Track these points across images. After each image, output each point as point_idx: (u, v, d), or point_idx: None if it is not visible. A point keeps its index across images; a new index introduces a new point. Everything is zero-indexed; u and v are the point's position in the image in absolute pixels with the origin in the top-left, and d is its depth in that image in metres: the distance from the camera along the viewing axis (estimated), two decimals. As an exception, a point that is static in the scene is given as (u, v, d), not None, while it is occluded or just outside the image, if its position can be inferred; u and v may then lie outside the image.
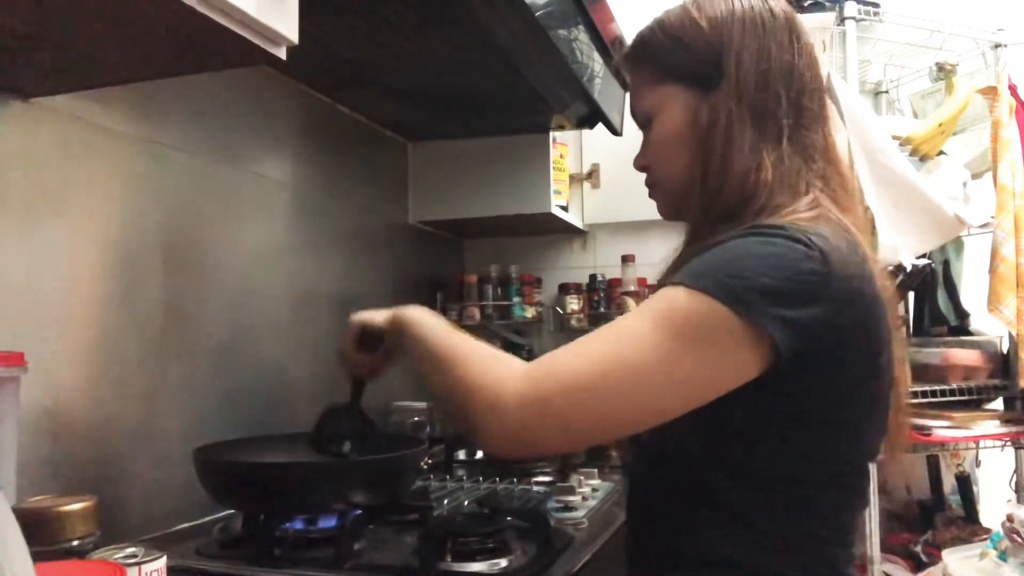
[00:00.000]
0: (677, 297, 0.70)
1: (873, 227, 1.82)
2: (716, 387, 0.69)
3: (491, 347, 0.78)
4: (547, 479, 1.47)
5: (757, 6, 0.82)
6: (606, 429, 0.73)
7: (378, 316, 0.95)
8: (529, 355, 2.07)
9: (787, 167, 0.78)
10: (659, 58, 0.85)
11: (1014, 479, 2.10)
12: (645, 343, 0.68)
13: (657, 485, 0.84)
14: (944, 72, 2.03)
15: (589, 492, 1.36)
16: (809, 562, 0.75)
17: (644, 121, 0.88)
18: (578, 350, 0.71)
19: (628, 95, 0.92)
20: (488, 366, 0.73)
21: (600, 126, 1.94)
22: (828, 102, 0.86)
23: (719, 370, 0.69)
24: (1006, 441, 1.99)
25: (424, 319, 0.86)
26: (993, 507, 2.14)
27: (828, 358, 0.70)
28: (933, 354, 1.98)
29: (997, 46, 2.03)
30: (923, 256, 1.98)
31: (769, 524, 0.74)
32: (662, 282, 0.77)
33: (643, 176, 0.92)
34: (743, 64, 0.80)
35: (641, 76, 0.88)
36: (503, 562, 0.97)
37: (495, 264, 2.25)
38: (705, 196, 0.81)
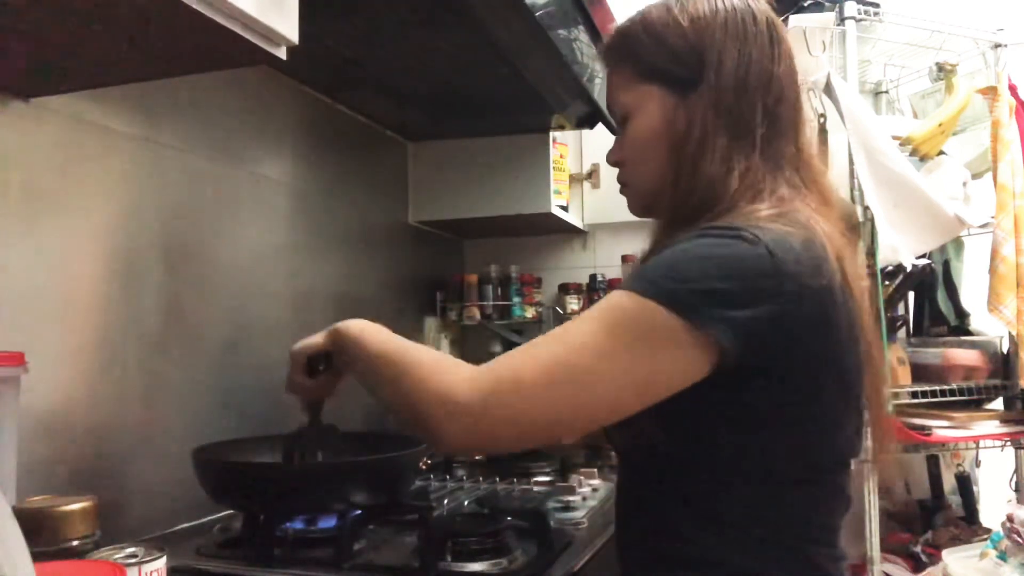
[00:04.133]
0: (622, 302, 0.71)
1: (873, 227, 1.82)
2: (663, 386, 0.71)
3: (431, 350, 0.80)
4: (547, 479, 1.48)
5: (740, 8, 0.81)
6: (553, 426, 0.74)
7: (317, 339, 0.95)
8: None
9: (754, 175, 0.78)
10: (639, 57, 0.84)
11: (1014, 479, 2.10)
12: (587, 345, 0.70)
13: (638, 487, 0.85)
14: (944, 72, 2.03)
15: (589, 492, 1.36)
16: (789, 561, 0.75)
17: (620, 118, 0.87)
18: (523, 353, 0.73)
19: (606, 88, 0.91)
20: (434, 371, 0.74)
21: (600, 126, 1.95)
22: (806, 109, 0.85)
23: (663, 370, 0.70)
24: (1006, 441, 1.99)
25: (363, 330, 0.86)
26: (993, 507, 2.14)
27: (782, 355, 0.70)
28: (933, 354, 1.98)
29: (997, 46, 2.03)
30: (923, 256, 1.98)
31: (746, 523, 0.74)
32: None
33: None
34: (723, 69, 0.79)
35: (620, 73, 0.87)
36: (503, 562, 0.97)
37: (495, 264, 2.25)
38: (676, 199, 0.81)
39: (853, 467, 0.82)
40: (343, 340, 0.88)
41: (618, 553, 0.87)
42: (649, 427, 0.73)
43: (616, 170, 0.91)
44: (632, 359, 0.69)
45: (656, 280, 0.70)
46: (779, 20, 0.84)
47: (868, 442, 0.86)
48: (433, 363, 0.76)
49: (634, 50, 0.85)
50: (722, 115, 0.79)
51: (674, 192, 0.81)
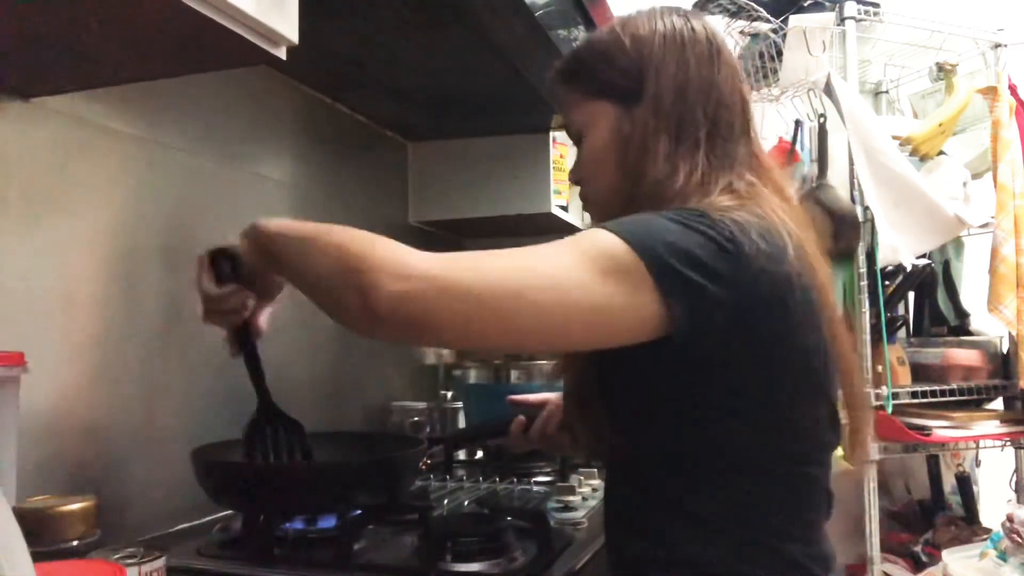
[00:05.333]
0: (594, 235, 0.71)
1: (873, 227, 1.82)
2: (619, 329, 0.70)
3: None
4: (547, 479, 1.48)
5: (679, 25, 0.86)
6: (503, 334, 0.70)
7: (227, 240, 0.91)
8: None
9: (702, 175, 0.80)
10: (588, 75, 0.88)
11: (1014, 479, 2.10)
12: (565, 264, 0.69)
13: (617, 487, 0.86)
14: (944, 72, 2.03)
15: (589, 492, 1.36)
16: (764, 559, 0.75)
17: (576, 136, 0.91)
18: (495, 252, 0.70)
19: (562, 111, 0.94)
20: (381, 239, 0.70)
21: (600, 126, 1.94)
22: (753, 116, 0.88)
23: (624, 310, 0.69)
24: (1006, 441, 1.99)
25: (280, 220, 0.83)
26: (993, 507, 2.14)
27: (736, 339, 0.71)
28: (933, 354, 1.98)
29: (997, 46, 2.03)
30: (923, 256, 1.98)
31: (718, 521, 0.75)
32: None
33: None
34: (661, 78, 0.83)
35: (573, 93, 0.90)
36: (503, 562, 0.97)
37: (495, 264, 2.25)
38: (626, 206, 0.83)
39: (830, 461, 0.82)
40: (255, 232, 0.84)
41: (606, 554, 0.88)
42: (612, 427, 0.73)
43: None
44: (595, 285, 0.68)
45: (629, 227, 0.71)
46: (721, 36, 0.89)
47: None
48: (380, 240, 0.71)
49: (583, 70, 0.89)
50: (662, 120, 0.82)
51: (623, 198, 0.84)
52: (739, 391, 0.73)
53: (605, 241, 0.70)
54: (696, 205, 0.76)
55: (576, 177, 0.93)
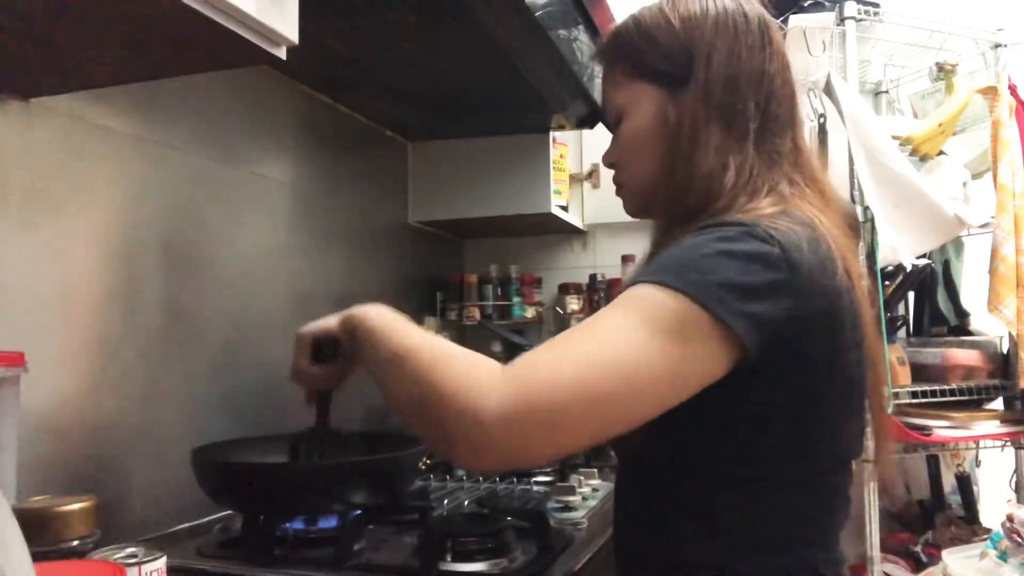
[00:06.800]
0: (649, 294, 0.68)
1: (873, 227, 1.82)
2: (694, 384, 0.68)
3: (457, 346, 0.72)
4: (547, 479, 1.48)
5: (731, 8, 0.82)
6: (595, 433, 0.68)
7: (330, 322, 0.91)
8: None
9: (751, 171, 0.78)
10: (632, 56, 0.85)
11: (1014, 479, 2.10)
12: (629, 341, 0.66)
13: (634, 488, 0.85)
14: (944, 72, 2.03)
15: (589, 492, 1.36)
16: (784, 564, 0.74)
17: (615, 118, 0.88)
18: (560, 351, 0.67)
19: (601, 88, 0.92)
20: (462, 370, 0.67)
21: (600, 126, 1.94)
22: (801, 107, 0.85)
23: (696, 366, 0.68)
24: (1006, 441, 1.99)
25: (380, 317, 0.80)
26: (993, 507, 2.14)
27: (791, 353, 0.70)
28: (933, 354, 1.98)
29: (997, 46, 2.03)
30: (923, 256, 1.98)
31: (742, 526, 0.74)
32: (631, 282, 0.74)
33: None
34: (712, 66, 0.80)
35: (614, 73, 0.87)
36: (503, 562, 0.97)
37: (495, 264, 2.26)
38: (671, 196, 0.81)
39: (853, 467, 0.81)
40: (357, 328, 0.82)
41: (615, 556, 0.87)
42: (642, 432, 0.71)
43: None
44: (669, 354, 0.66)
45: (679, 273, 0.68)
46: (773, 21, 0.85)
47: (869, 442, 0.86)
48: (457, 361, 0.68)
49: (627, 50, 0.85)
50: (712, 110, 0.79)
51: (669, 189, 0.81)
52: (783, 404, 0.72)
53: (665, 302, 0.67)
54: (742, 210, 0.75)
55: (611, 160, 0.90)
